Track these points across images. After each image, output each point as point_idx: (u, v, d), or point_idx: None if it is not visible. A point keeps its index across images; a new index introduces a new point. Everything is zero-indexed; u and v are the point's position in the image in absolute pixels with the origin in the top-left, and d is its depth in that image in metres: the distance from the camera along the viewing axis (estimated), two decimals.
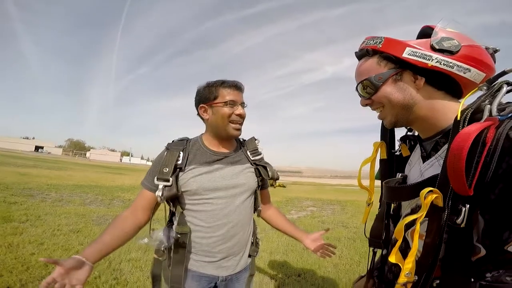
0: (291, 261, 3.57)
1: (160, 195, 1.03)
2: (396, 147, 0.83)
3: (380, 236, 0.82)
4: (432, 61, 0.58)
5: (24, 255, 2.84)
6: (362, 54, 0.69)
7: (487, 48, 0.61)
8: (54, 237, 3.61)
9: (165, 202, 1.09)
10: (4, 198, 5.47)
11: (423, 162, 0.68)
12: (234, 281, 1.17)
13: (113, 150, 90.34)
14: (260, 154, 1.24)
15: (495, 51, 0.63)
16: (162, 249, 1.08)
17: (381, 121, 0.80)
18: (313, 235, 1.28)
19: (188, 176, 1.08)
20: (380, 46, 0.64)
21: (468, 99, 0.60)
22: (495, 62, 0.62)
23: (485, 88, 0.60)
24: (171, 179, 1.04)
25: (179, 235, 1.05)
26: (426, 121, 0.66)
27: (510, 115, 0.49)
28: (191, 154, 1.12)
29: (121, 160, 77.95)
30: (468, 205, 0.49)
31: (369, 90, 0.67)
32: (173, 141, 1.19)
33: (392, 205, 0.81)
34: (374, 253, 0.85)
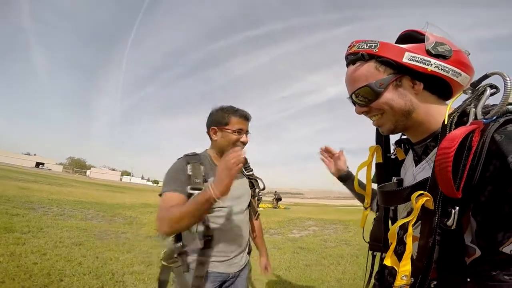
0: (294, 277, 3.52)
1: None
2: (391, 151, 0.83)
3: (381, 240, 0.80)
4: (431, 66, 0.58)
5: (26, 264, 2.79)
6: (356, 59, 0.65)
7: (464, 52, 0.63)
8: (56, 248, 3.55)
9: None
10: (6, 210, 5.42)
11: (416, 166, 0.68)
12: (239, 277, 1.30)
13: (113, 169, 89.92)
14: (251, 170, 1.47)
15: (469, 54, 0.64)
16: (175, 256, 1.18)
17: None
18: (264, 261, 1.55)
19: None
20: (377, 50, 0.62)
21: (455, 102, 0.61)
22: None
23: (469, 91, 0.61)
24: (203, 188, 1.11)
25: (207, 238, 1.16)
26: (421, 126, 0.65)
27: (494, 118, 0.50)
28: (207, 168, 1.25)
29: (121, 179, 77.38)
30: (457, 207, 0.49)
31: (369, 97, 0.65)
32: (187, 154, 1.28)
33: (391, 208, 0.80)
34: (374, 257, 0.84)
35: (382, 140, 0.82)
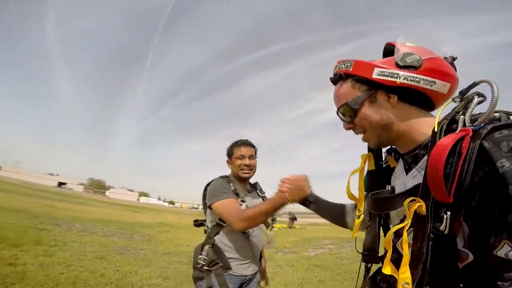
0: None
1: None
2: (383, 159, 0.84)
3: (375, 249, 0.79)
4: (399, 78, 0.60)
5: (54, 273, 2.95)
6: (337, 79, 0.71)
7: (445, 58, 0.63)
8: (80, 261, 3.71)
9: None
10: (34, 224, 5.74)
11: (406, 175, 0.68)
12: (253, 280, 1.49)
13: (131, 190, 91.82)
14: (264, 192, 1.72)
15: (454, 59, 0.64)
16: (216, 259, 1.37)
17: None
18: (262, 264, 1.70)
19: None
20: (351, 69, 0.66)
21: (444, 111, 0.61)
22: (455, 70, 0.64)
23: (458, 99, 0.60)
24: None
25: (234, 242, 1.41)
26: (406, 137, 0.66)
27: (482, 125, 0.51)
28: (236, 188, 1.53)
29: (138, 199, 78.73)
30: (449, 212, 0.50)
31: (349, 114, 0.69)
32: (222, 176, 1.60)
33: (382, 216, 0.80)
34: (368, 269, 0.83)
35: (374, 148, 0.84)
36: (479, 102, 0.55)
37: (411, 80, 0.59)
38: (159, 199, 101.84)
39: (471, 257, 0.52)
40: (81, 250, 4.35)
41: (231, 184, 1.50)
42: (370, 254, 0.80)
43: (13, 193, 13.12)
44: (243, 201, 1.47)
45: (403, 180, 0.69)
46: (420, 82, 0.59)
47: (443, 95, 0.62)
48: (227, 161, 1.65)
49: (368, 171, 0.83)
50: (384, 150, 0.83)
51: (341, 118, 0.73)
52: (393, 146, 0.79)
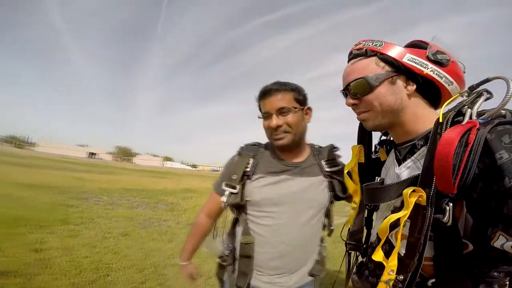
0: None
1: (225, 201, 1.03)
2: (373, 151, 0.84)
3: (361, 239, 0.83)
4: (427, 69, 0.63)
5: (78, 258, 2.96)
6: (359, 54, 0.70)
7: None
8: (105, 240, 3.76)
9: (230, 209, 1.09)
10: (63, 201, 5.97)
11: (399, 165, 0.69)
12: None
13: (156, 156, 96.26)
14: (337, 165, 1.08)
15: (464, 71, 0.67)
16: (226, 253, 1.08)
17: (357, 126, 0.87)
18: None
19: (253, 186, 1.04)
20: (381, 48, 0.66)
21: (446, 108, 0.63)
22: None
23: (465, 94, 0.62)
24: (238, 186, 1.03)
25: (245, 245, 1.02)
26: (406, 126, 0.68)
27: (490, 119, 0.53)
28: (261, 162, 1.08)
29: (163, 164, 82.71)
30: (451, 204, 0.51)
31: (362, 90, 0.67)
32: (245, 145, 1.15)
33: (367, 208, 0.83)
34: (350, 255, 0.88)
35: (365, 140, 0.85)
36: (487, 99, 0.57)
37: (436, 74, 0.63)
38: (182, 163, 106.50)
39: (471, 247, 0.53)
40: (106, 227, 4.44)
41: (249, 161, 1.06)
42: (355, 244, 0.84)
43: (46, 168, 13.93)
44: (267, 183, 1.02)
45: (394, 171, 0.70)
46: (442, 79, 0.63)
47: (451, 96, 0.65)
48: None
49: (358, 164, 0.86)
50: (375, 142, 0.85)
51: (347, 93, 0.72)
52: (384, 138, 0.84)
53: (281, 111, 1.00)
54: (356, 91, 0.69)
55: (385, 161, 0.80)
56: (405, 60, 0.63)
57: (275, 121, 1.00)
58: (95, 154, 74.55)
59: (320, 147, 1.18)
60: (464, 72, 0.67)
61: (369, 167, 0.83)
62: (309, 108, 1.09)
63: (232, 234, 1.12)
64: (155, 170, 32.58)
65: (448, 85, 0.64)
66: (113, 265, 2.90)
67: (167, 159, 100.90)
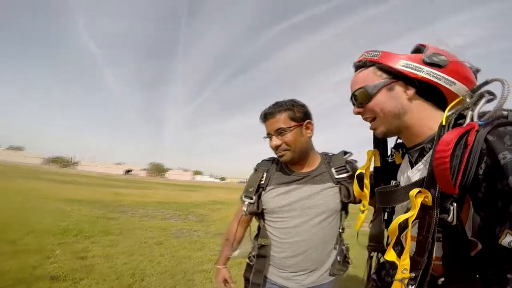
0: None
1: (245, 210, 1.19)
2: (389, 155, 0.86)
3: (381, 240, 0.83)
4: (422, 72, 0.63)
5: (117, 265, 3.21)
6: (360, 65, 0.74)
7: (470, 67, 0.66)
8: (141, 248, 4.03)
9: (254, 217, 1.26)
10: (104, 214, 6.47)
11: (411, 168, 0.71)
12: None
13: (186, 170, 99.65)
14: (347, 171, 1.14)
15: (477, 70, 0.67)
16: (254, 254, 1.20)
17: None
18: None
19: (268, 196, 1.18)
20: (377, 58, 0.69)
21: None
22: (476, 79, 0.66)
23: (468, 96, 0.62)
24: (254, 197, 1.19)
25: (261, 246, 1.16)
26: (413, 129, 0.69)
27: (489, 120, 0.53)
28: (274, 175, 1.22)
29: (193, 178, 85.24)
30: (455, 204, 0.52)
31: (363, 98, 0.71)
32: (262, 161, 1.31)
33: (387, 210, 0.83)
34: (371, 258, 0.88)
35: (380, 144, 0.85)
36: (489, 100, 0.57)
37: (432, 76, 0.63)
38: (211, 176, 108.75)
39: (480, 245, 0.53)
40: (142, 236, 4.74)
41: (263, 175, 1.21)
42: (376, 245, 0.85)
43: (89, 185, 15.18)
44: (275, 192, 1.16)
45: (407, 173, 0.72)
46: (441, 80, 0.63)
47: (457, 97, 0.65)
48: None
49: (374, 168, 0.86)
50: (390, 146, 0.87)
51: (353, 103, 0.76)
52: (399, 141, 0.84)
53: (279, 132, 1.09)
54: (360, 100, 0.72)
55: (400, 164, 0.81)
56: (399, 66, 0.65)
57: (274, 142, 1.11)
58: (131, 170, 79.23)
59: (333, 154, 1.26)
60: (478, 70, 0.67)
61: (386, 171, 0.84)
62: (310, 122, 1.15)
63: (256, 238, 1.25)
64: (185, 184, 33.74)
65: (450, 86, 0.63)
66: (147, 271, 3.11)
67: (197, 173, 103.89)
